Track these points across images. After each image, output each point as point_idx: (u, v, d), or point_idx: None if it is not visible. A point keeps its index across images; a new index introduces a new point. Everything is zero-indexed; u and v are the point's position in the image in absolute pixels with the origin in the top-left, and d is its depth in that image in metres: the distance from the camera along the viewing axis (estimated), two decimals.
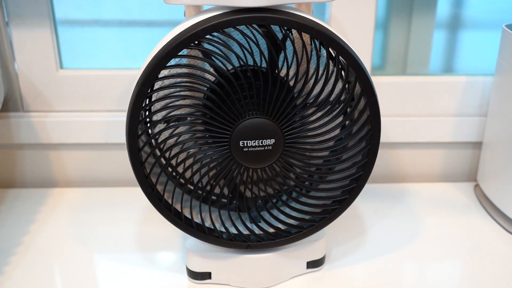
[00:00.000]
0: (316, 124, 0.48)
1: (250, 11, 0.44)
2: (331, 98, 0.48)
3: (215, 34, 0.46)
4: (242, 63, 0.46)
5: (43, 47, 0.67)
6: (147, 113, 0.50)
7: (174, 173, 0.52)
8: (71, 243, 0.61)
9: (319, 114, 0.48)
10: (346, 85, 0.48)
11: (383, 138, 0.71)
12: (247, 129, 0.47)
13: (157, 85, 0.47)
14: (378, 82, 0.70)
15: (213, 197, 0.54)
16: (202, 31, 0.43)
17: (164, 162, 0.50)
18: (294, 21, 0.44)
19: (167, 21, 0.79)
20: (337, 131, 0.49)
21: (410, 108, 0.71)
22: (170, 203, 0.50)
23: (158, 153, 0.50)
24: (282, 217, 0.52)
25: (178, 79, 0.48)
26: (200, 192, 0.52)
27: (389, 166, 0.75)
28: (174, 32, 0.45)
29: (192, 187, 0.51)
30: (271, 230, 0.52)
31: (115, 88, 0.70)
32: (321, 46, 0.47)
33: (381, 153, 0.73)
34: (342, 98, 0.48)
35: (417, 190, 0.73)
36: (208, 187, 0.51)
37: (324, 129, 0.48)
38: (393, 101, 0.71)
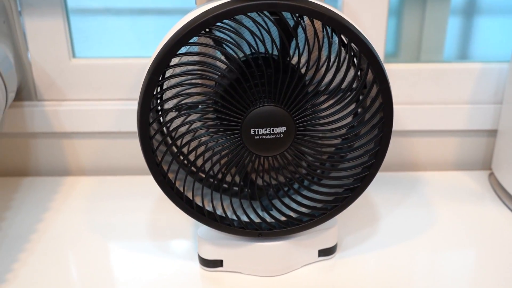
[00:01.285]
0: (328, 112, 0.48)
1: None
2: (343, 86, 0.47)
3: (226, 21, 0.45)
4: (253, 50, 0.46)
5: (56, 36, 0.67)
6: (158, 101, 0.50)
7: (185, 161, 0.52)
8: (84, 231, 0.62)
9: (331, 101, 0.48)
10: (358, 72, 0.47)
11: (397, 126, 0.71)
12: (258, 117, 0.46)
13: (168, 73, 0.47)
14: (392, 69, 0.69)
15: (225, 185, 0.55)
16: (212, 18, 0.43)
17: (175, 150, 0.50)
18: (305, 8, 0.43)
19: (179, 9, 0.79)
20: (349, 119, 0.49)
21: (424, 95, 0.71)
22: (182, 191, 0.51)
23: (170, 141, 0.50)
24: (293, 205, 0.52)
25: (190, 67, 0.47)
26: (211, 180, 0.52)
27: (402, 154, 0.74)
28: (185, 20, 0.45)
29: (203, 175, 0.51)
30: (283, 218, 0.52)
31: (127, 77, 0.70)
32: (333, 33, 0.47)
33: (395, 141, 0.73)
34: (354, 85, 0.48)
35: (430, 178, 0.73)
36: (220, 175, 0.51)
37: (335, 117, 0.48)
38: (406, 88, 0.70)
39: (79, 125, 0.71)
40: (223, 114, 0.47)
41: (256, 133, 0.47)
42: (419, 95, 0.71)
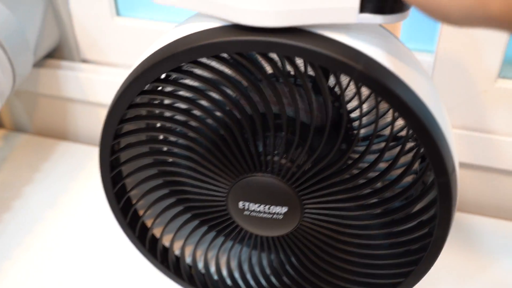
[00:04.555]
0: (346, 195, 0.33)
1: (257, 33, 0.28)
2: (380, 162, 0.31)
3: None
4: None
5: None
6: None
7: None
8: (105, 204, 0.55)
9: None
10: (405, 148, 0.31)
11: (499, 163, 0.51)
12: (248, 188, 0.33)
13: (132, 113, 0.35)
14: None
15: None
16: (183, 54, 0.29)
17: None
18: (323, 54, 0.27)
19: None
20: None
21: None
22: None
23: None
24: None
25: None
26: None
27: (501, 197, 0.55)
28: (154, 47, 0.31)
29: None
30: None
31: None
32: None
33: (494, 179, 0.53)
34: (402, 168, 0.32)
35: None
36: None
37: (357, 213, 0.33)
38: None
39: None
40: (204, 176, 0.34)
41: (246, 208, 0.34)
42: None
